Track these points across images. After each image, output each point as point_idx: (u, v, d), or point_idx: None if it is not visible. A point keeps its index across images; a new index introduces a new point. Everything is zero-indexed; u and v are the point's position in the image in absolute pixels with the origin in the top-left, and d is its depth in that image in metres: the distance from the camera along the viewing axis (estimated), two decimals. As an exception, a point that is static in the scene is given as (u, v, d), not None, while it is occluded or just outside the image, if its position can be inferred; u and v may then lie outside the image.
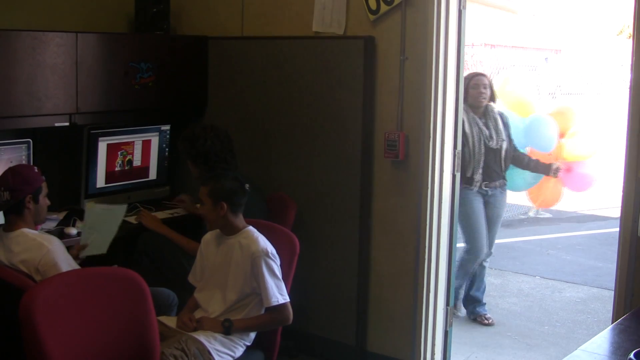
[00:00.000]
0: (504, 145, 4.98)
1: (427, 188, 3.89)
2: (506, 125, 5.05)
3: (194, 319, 3.29)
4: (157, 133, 4.55)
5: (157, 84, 4.30)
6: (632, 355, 2.27)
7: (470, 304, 5.19)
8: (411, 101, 3.91)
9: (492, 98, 5.04)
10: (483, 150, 4.88)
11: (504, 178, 5.05)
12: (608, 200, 8.52)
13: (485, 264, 5.20)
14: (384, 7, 3.91)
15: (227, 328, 3.23)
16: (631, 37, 3.31)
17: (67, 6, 4.37)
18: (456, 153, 4.00)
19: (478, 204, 4.97)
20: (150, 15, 4.44)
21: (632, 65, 3.29)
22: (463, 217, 4.86)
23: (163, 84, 4.34)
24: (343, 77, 4.06)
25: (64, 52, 3.84)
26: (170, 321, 3.34)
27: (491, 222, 5.07)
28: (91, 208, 3.81)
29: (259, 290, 3.27)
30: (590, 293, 6.05)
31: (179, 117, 4.63)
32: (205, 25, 4.63)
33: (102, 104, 4.08)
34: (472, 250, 5.03)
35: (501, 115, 5.08)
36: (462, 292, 5.19)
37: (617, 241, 3.42)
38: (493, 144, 4.92)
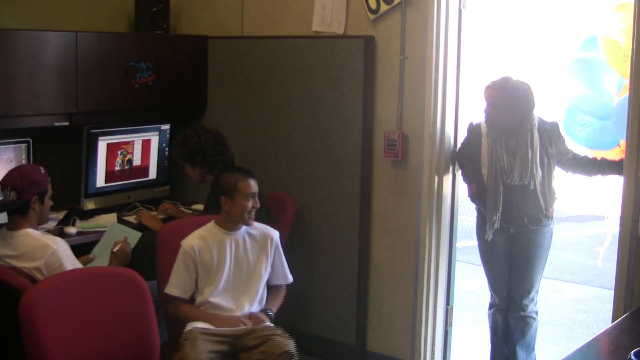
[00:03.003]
0: (538, 178, 3.74)
1: (427, 187, 3.89)
2: (553, 143, 3.80)
3: (246, 318, 3.33)
4: (157, 132, 4.55)
5: (157, 84, 4.30)
6: (632, 355, 2.27)
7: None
8: (411, 101, 3.91)
9: (521, 114, 3.72)
10: (501, 188, 3.75)
11: (542, 214, 3.84)
12: (608, 200, 8.52)
13: (524, 313, 3.94)
14: (383, 7, 3.91)
15: (272, 317, 3.38)
16: (631, 37, 3.30)
17: (67, 6, 4.38)
18: (456, 151, 4.00)
19: (497, 241, 3.88)
20: (150, 14, 4.44)
21: (632, 64, 3.28)
22: (480, 253, 4.04)
23: (163, 84, 4.34)
24: (343, 76, 4.06)
25: (64, 51, 3.84)
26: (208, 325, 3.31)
27: (518, 264, 3.90)
28: (113, 225, 3.86)
29: (268, 272, 3.45)
30: (590, 292, 6.06)
31: (178, 116, 4.63)
32: (205, 24, 4.63)
33: (102, 103, 4.08)
34: (490, 292, 4.07)
35: (546, 131, 3.79)
36: (504, 353, 4.05)
37: (617, 240, 3.42)
38: (514, 180, 3.72)
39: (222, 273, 3.35)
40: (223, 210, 3.36)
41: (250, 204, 3.35)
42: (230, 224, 3.38)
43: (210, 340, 3.17)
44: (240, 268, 3.38)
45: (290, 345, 3.19)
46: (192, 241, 3.36)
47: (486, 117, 3.78)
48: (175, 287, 3.33)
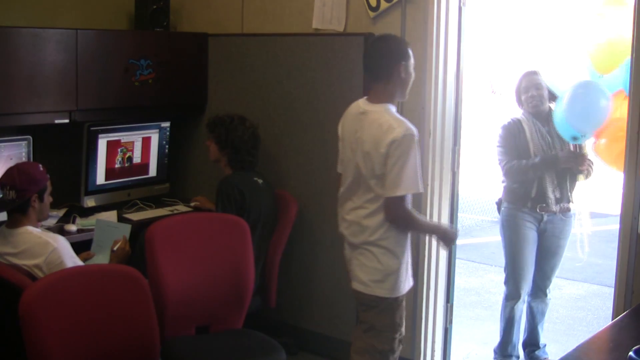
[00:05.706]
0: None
1: (427, 185, 3.89)
2: None
3: None
4: (157, 130, 4.54)
5: (157, 81, 4.30)
6: (632, 353, 2.28)
7: (527, 347, 4.39)
8: (411, 98, 3.89)
9: (552, 97, 4.15)
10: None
11: (569, 201, 4.14)
12: (608, 197, 8.52)
13: (545, 297, 4.31)
14: (384, 4, 3.90)
15: None
16: (631, 37, 3.29)
17: (67, 3, 4.37)
18: (456, 150, 4.00)
19: (529, 231, 4.12)
20: (150, 12, 4.44)
21: (632, 64, 3.28)
22: (507, 243, 4.22)
23: (163, 81, 4.34)
24: (343, 74, 4.05)
25: (64, 49, 3.84)
26: None
27: (548, 253, 4.20)
28: (98, 222, 3.82)
29: None
30: (590, 290, 6.06)
31: (179, 114, 4.63)
32: (205, 22, 4.63)
33: (102, 101, 4.08)
34: (509, 285, 4.22)
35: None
36: (514, 343, 4.29)
37: (617, 238, 3.42)
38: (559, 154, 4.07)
39: None
40: (398, 80, 3.06)
41: None
42: (395, 100, 3.08)
43: None
44: None
45: None
46: (410, 126, 2.97)
47: (529, 102, 4.10)
48: (419, 182, 2.93)
